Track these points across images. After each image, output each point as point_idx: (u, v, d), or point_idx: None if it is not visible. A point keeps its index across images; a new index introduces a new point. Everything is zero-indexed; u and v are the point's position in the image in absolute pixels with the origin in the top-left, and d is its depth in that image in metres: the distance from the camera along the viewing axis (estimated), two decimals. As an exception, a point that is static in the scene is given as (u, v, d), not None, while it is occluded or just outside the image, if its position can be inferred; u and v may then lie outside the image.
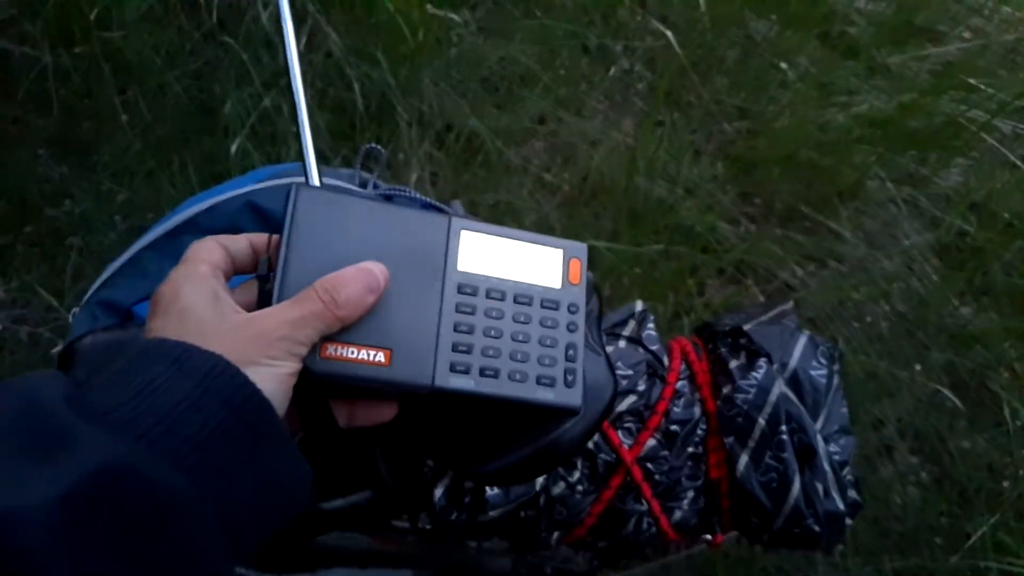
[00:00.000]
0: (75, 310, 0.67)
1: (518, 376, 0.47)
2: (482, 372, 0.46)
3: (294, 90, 0.52)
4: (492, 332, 0.47)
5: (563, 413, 0.49)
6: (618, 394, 0.69)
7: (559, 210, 1.61)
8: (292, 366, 0.41)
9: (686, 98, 1.79)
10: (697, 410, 0.71)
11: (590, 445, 0.68)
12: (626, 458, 0.68)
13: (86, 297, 0.68)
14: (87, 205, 1.52)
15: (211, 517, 0.35)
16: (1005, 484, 1.40)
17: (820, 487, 0.69)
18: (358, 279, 0.43)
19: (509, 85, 1.74)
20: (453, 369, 0.45)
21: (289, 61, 0.53)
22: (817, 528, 0.69)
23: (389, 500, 0.68)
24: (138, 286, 0.65)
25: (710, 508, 0.72)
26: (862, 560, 1.32)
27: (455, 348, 0.46)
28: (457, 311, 0.47)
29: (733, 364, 0.72)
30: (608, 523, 0.70)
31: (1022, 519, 1.36)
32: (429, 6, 1.67)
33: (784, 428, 0.69)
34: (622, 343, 0.73)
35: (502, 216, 1.57)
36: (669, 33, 1.77)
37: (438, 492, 0.66)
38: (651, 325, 0.74)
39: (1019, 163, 1.69)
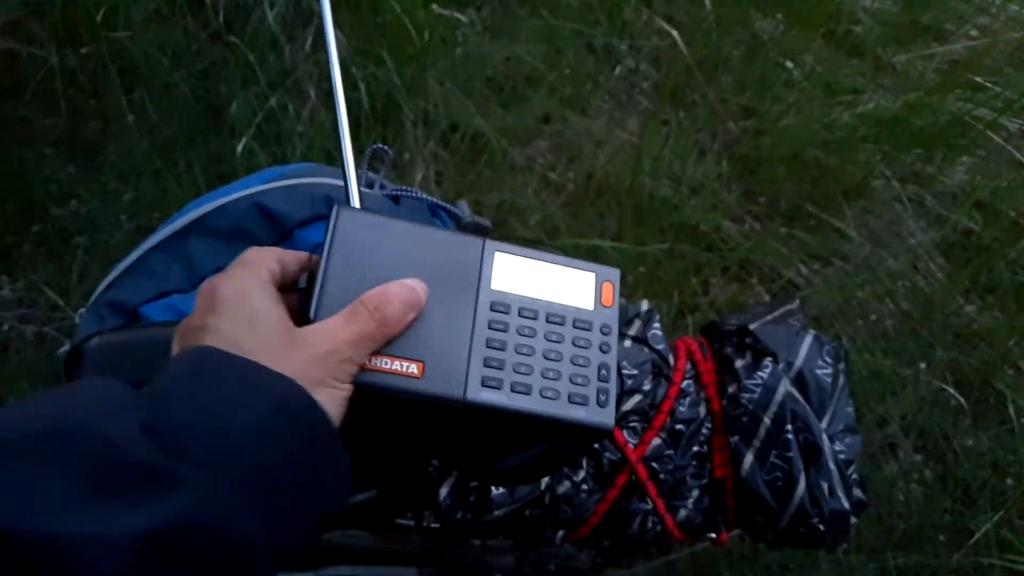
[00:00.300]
0: (81, 310, 0.67)
1: (550, 393, 0.46)
2: (514, 388, 0.46)
3: (339, 120, 0.53)
4: (524, 349, 0.47)
5: (595, 433, 0.48)
6: (624, 393, 0.69)
7: (564, 209, 1.61)
8: (350, 388, 0.41)
9: (691, 97, 1.79)
10: (702, 409, 0.71)
11: (595, 444, 0.69)
12: (631, 457, 0.68)
13: (93, 298, 0.67)
14: (93, 205, 1.52)
15: (273, 561, 0.35)
16: (1009, 481, 1.40)
17: (825, 486, 0.69)
18: (401, 295, 0.43)
19: (514, 84, 1.74)
20: (485, 384, 0.45)
21: (335, 89, 0.53)
22: (822, 527, 0.69)
23: (394, 499, 0.68)
24: (145, 287, 0.65)
25: (715, 507, 0.72)
26: (865, 557, 1.32)
27: (487, 363, 0.46)
28: (490, 328, 0.47)
29: (738, 363, 0.72)
30: (613, 522, 0.70)
31: (1026, 517, 1.36)
32: (435, 6, 1.68)
33: (789, 427, 0.68)
34: (627, 342, 0.73)
35: (506, 215, 1.57)
36: (674, 32, 1.78)
37: (443, 491, 0.66)
38: (656, 324, 0.74)
39: (1025, 161, 1.69)
